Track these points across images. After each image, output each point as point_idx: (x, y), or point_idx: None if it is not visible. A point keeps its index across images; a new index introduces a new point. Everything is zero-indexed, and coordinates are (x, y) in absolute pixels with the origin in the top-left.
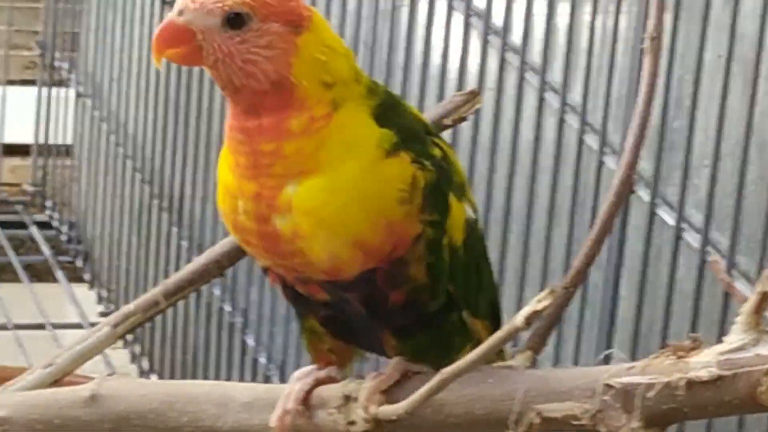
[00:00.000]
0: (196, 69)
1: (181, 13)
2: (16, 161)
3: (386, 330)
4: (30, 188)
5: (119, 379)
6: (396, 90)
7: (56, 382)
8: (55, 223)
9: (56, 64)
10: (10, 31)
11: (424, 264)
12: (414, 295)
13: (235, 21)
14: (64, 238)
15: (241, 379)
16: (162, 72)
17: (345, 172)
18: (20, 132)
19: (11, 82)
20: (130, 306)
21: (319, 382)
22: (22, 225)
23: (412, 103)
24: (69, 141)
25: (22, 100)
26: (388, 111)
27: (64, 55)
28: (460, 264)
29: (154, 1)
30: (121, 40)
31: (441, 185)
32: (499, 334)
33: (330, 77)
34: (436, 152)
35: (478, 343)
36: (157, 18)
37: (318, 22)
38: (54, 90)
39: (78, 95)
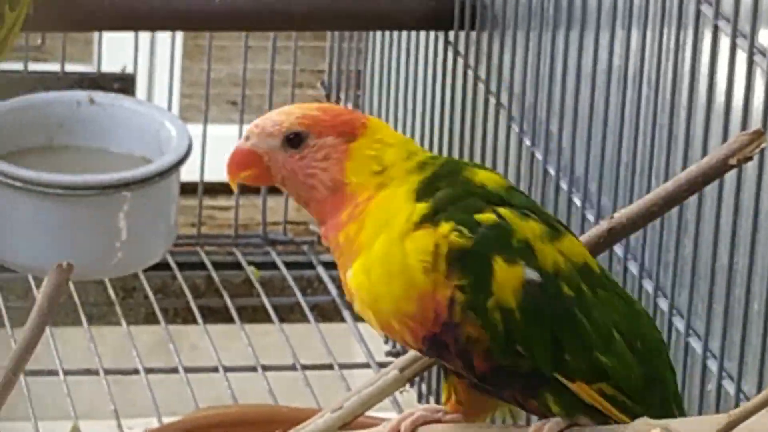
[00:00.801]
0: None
1: (247, 138)
2: None
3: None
4: (316, 228)
5: None
6: (680, 130)
7: (345, 426)
8: None
9: (341, 103)
10: (295, 70)
11: (476, 325)
12: (493, 359)
13: (293, 141)
14: None
15: None
16: (447, 112)
17: (375, 251)
18: None
19: None
20: None
21: (432, 421)
22: (309, 265)
23: (695, 142)
24: None
25: None
26: (437, 182)
27: (349, 94)
28: (521, 325)
29: (438, 40)
30: (405, 80)
31: (476, 250)
32: None
33: (378, 165)
34: (487, 218)
35: None
36: (440, 56)
37: (373, 127)
38: None
39: None
